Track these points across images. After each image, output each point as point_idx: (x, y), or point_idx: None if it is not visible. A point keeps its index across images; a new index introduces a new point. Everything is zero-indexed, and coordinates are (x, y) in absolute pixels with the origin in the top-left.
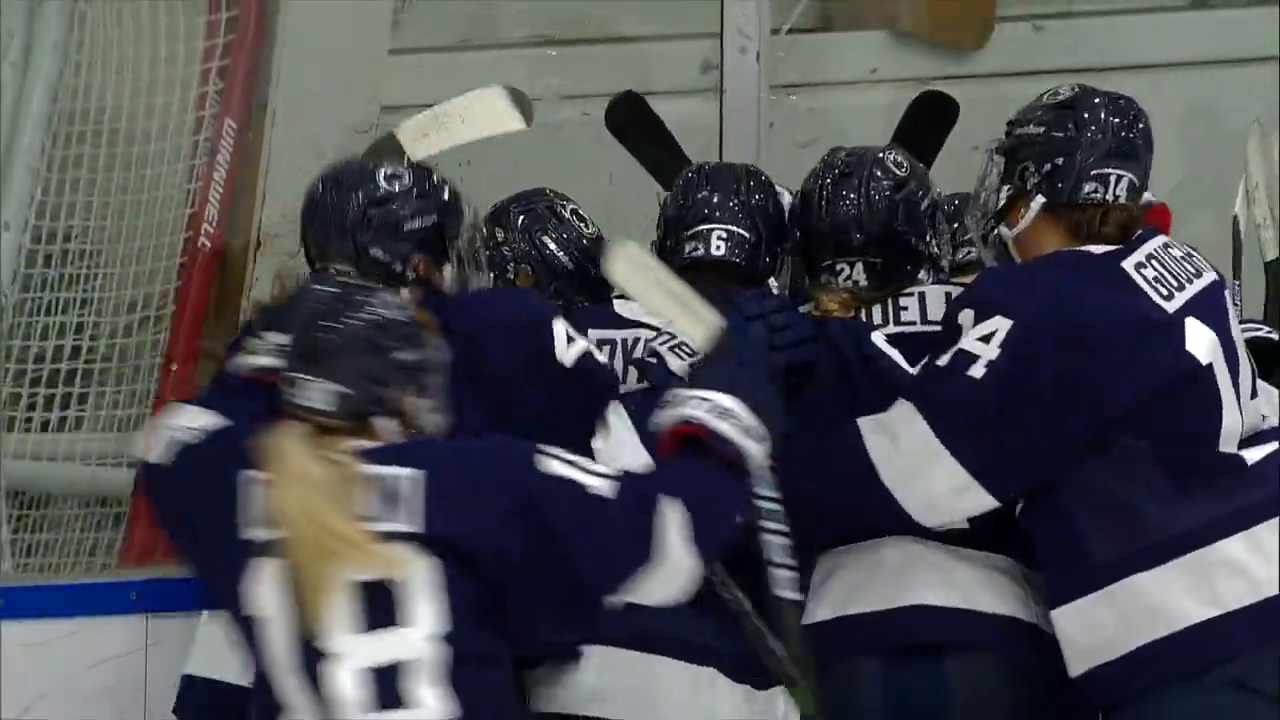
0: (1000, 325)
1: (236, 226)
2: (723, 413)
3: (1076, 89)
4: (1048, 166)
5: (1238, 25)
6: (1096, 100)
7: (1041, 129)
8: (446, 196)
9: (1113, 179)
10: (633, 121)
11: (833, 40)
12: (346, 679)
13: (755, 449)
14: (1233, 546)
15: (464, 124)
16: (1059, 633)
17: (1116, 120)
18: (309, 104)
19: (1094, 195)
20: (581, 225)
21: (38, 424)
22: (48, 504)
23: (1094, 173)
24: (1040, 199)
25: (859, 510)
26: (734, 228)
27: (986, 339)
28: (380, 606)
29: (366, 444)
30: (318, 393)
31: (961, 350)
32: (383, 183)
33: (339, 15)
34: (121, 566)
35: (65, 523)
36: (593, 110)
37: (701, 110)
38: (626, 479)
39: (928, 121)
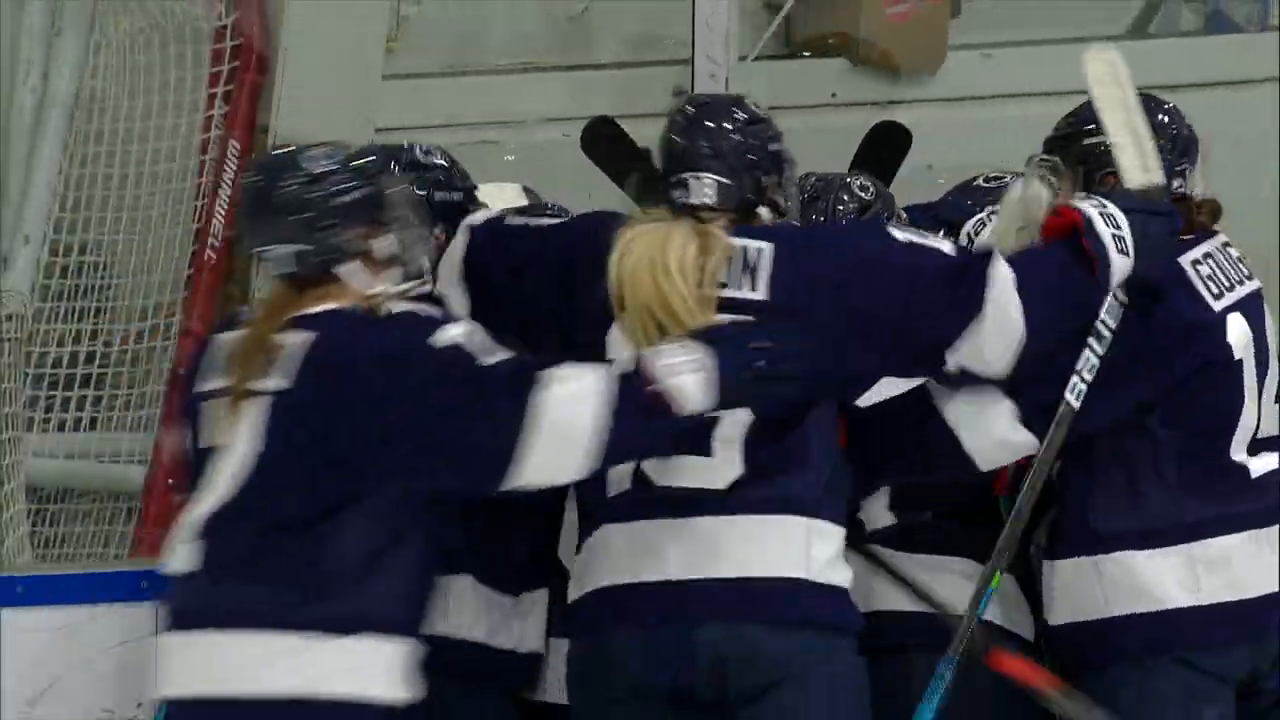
0: None
1: (240, 240)
2: (1107, 218)
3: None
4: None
5: (1171, 52)
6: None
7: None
8: None
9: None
10: (606, 144)
11: (795, 66)
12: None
13: (1119, 261)
14: (1224, 546)
15: None
16: (1049, 584)
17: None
18: (307, 127)
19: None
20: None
21: (55, 424)
22: (65, 499)
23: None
24: None
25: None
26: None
27: None
28: None
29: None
30: (708, 187)
31: None
32: None
33: (335, 43)
34: (132, 557)
35: (81, 517)
36: (572, 132)
37: None
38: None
39: (884, 148)
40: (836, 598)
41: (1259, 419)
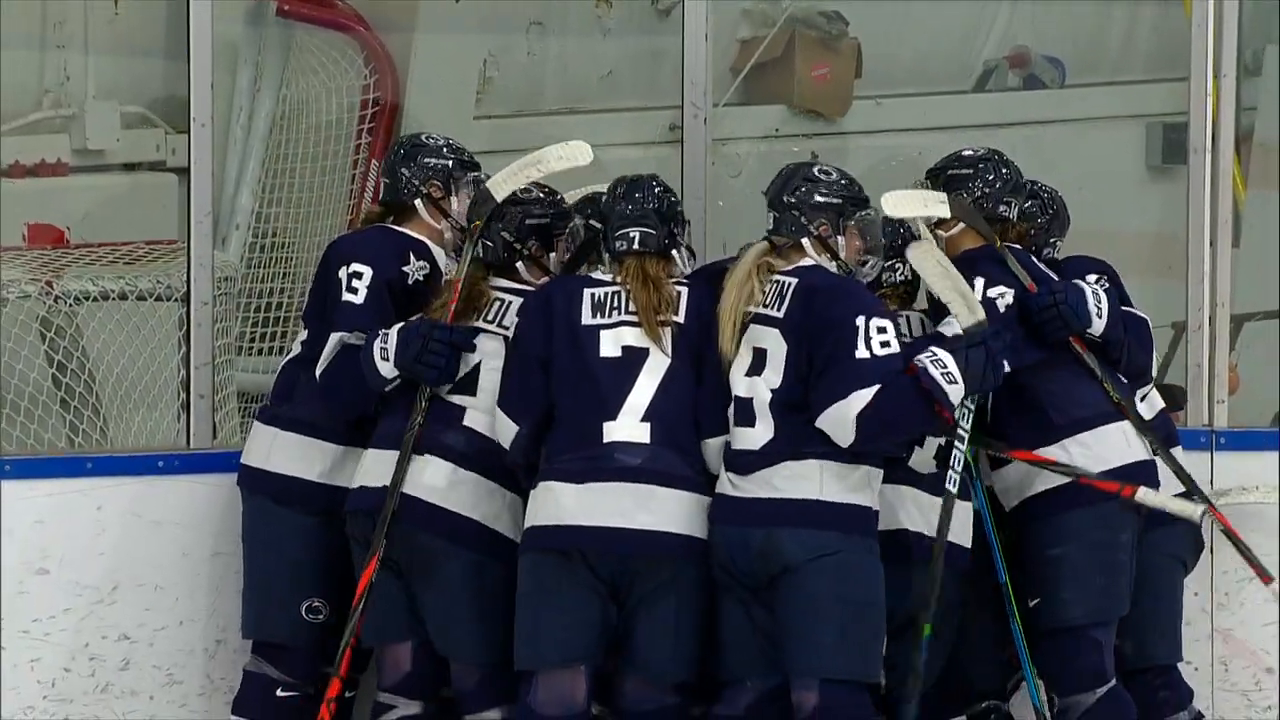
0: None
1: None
2: (935, 361)
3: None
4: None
5: (1000, 103)
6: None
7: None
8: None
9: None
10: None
11: (751, 110)
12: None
13: (952, 390)
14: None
15: (556, 162)
16: (1005, 477)
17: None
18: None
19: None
20: (526, 195)
21: (255, 350)
22: (260, 399)
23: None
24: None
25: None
26: (645, 227)
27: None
28: (758, 360)
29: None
30: (785, 224)
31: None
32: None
33: (441, 95)
34: None
35: None
36: (602, 155)
37: (670, 155)
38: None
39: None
40: (839, 511)
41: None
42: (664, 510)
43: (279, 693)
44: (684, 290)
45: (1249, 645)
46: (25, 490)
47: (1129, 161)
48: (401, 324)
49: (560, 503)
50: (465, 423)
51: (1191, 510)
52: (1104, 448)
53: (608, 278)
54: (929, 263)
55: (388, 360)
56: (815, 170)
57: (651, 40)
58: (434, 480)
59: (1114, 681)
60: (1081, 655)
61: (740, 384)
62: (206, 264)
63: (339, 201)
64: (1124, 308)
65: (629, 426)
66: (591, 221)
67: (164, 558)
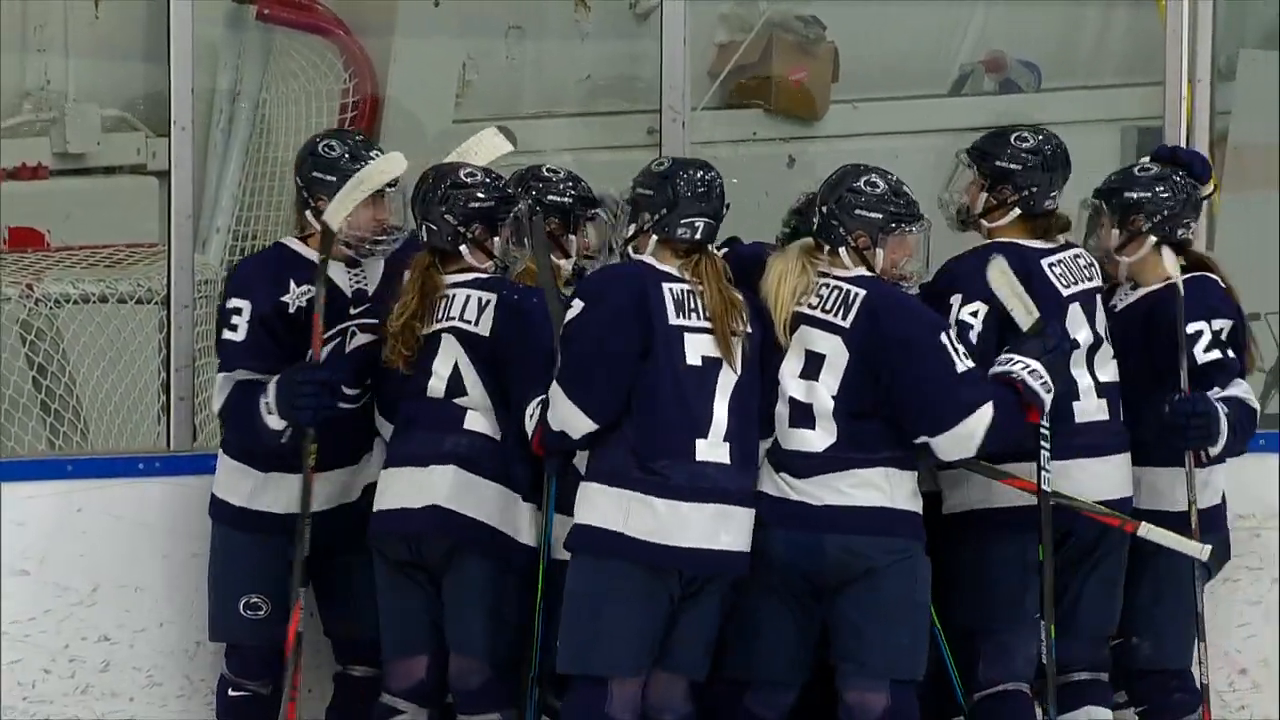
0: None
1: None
2: (1033, 373)
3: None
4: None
5: (975, 107)
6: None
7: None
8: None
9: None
10: (533, 229)
11: (729, 114)
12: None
13: (1047, 398)
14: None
15: (377, 177)
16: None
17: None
18: (403, 155)
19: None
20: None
21: None
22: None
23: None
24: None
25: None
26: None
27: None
28: (813, 364)
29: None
30: (824, 230)
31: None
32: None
33: (420, 99)
34: None
35: None
36: (581, 158)
37: (648, 159)
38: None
39: None
40: (907, 518)
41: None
42: (738, 529)
43: (230, 692)
44: (742, 298)
45: (1222, 646)
46: (5, 492)
47: (1105, 165)
48: (279, 375)
49: (659, 518)
50: (466, 426)
51: (1196, 548)
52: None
53: (673, 270)
54: (1000, 276)
55: (273, 414)
56: (863, 180)
57: (630, 44)
58: (441, 487)
59: (1013, 685)
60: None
61: (794, 385)
62: (187, 267)
63: None
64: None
65: (715, 445)
66: (541, 203)
67: (144, 560)
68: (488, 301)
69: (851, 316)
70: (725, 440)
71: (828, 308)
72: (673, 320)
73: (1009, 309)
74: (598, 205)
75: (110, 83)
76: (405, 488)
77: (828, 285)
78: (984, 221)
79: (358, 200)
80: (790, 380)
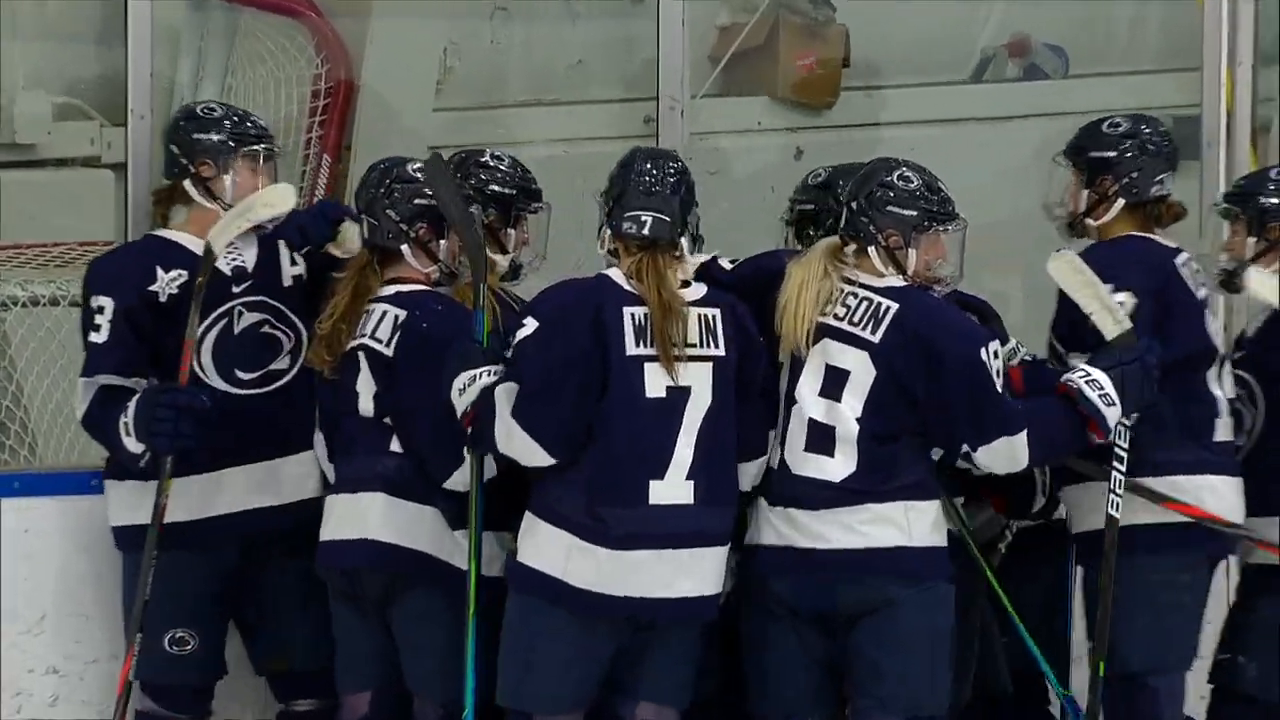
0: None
1: None
2: (1091, 383)
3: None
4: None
5: (999, 94)
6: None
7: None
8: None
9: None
10: (443, 178)
11: (731, 102)
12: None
13: (1110, 412)
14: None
15: (262, 209)
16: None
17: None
18: (378, 146)
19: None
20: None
21: None
22: None
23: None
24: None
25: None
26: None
27: None
28: (834, 381)
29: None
30: (853, 228)
31: None
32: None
33: (399, 86)
34: None
35: None
36: (570, 149)
37: None
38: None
39: None
40: (928, 555)
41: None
42: (702, 572)
43: None
44: (717, 313)
45: None
46: None
47: None
48: (139, 394)
49: (600, 569)
50: (394, 448)
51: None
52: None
53: (630, 288)
54: (1069, 272)
55: (131, 435)
56: (895, 175)
57: (624, 26)
58: (372, 517)
59: None
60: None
61: (814, 405)
62: None
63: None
64: None
65: (674, 486)
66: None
67: (96, 584)
68: (400, 321)
69: (881, 331)
70: (689, 478)
71: (855, 320)
72: (631, 350)
73: (1088, 313)
74: (541, 199)
75: (62, 68)
76: (341, 517)
77: (855, 294)
78: (1090, 221)
79: (241, 229)
80: (810, 399)
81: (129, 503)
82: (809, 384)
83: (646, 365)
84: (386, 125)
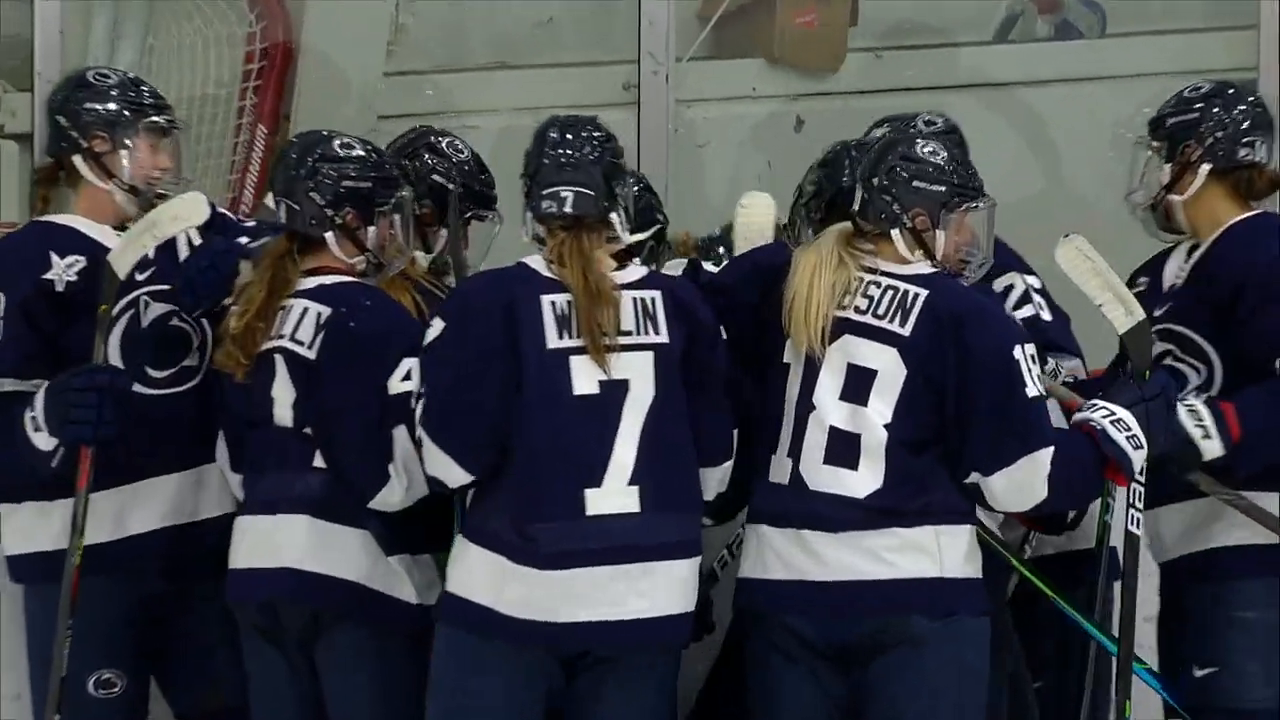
0: None
1: (266, 210)
2: (1117, 423)
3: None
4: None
5: (1027, 55)
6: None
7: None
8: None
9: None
10: None
11: (722, 65)
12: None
13: (1137, 456)
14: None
15: (170, 223)
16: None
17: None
18: (321, 115)
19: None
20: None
21: None
22: None
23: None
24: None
25: None
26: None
27: None
28: (858, 383)
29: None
30: (873, 209)
31: None
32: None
33: (344, 47)
34: None
35: None
36: (540, 119)
37: (623, 119)
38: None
39: None
40: (962, 588)
41: None
42: (658, 590)
43: None
44: (656, 295)
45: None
46: None
47: None
48: (48, 383)
49: (532, 593)
50: (318, 464)
51: None
52: None
53: (551, 274)
54: (1077, 259)
55: (42, 430)
56: (918, 148)
57: None
58: (294, 543)
59: None
60: None
61: (836, 411)
62: None
63: (218, 177)
64: None
65: (616, 493)
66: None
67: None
68: (324, 319)
69: (911, 323)
70: (633, 483)
71: (880, 312)
72: (553, 343)
73: (1097, 303)
74: (494, 206)
75: None
76: (255, 543)
77: (878, 284)
78: (1174, 197)
79: (149, 246)
80: (830, 404)
81: (23, 528)
82: (828, 387)
83: (573, 359)
84: (330, 92)
